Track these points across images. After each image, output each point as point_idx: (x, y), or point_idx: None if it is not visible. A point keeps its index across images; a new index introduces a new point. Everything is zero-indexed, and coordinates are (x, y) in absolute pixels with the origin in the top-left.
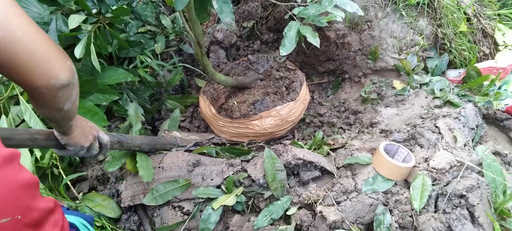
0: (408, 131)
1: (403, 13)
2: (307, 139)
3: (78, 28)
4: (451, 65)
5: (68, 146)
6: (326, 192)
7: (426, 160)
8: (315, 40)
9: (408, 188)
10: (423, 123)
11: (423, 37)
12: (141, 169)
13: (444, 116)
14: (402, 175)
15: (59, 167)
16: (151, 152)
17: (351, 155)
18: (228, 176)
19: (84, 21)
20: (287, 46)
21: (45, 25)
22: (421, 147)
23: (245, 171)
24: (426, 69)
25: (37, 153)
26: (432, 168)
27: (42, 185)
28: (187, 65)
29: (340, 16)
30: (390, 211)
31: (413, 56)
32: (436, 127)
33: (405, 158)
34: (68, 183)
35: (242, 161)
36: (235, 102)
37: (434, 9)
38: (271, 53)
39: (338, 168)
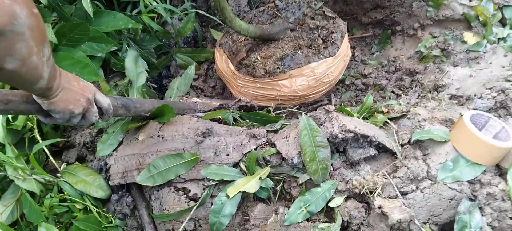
0: (494, 97)
1: None
2: (346, 105)
3: None
4: None
5: (52, 112)
6: (387, 178)
7: None
8: None
9: (504, 177)
10: None
11: None
12: None
13: None
14: (496, 158)
15: (35, 131)
16: None
17: (419, 126)
18: (249, 151)
19: None
20: None
21: None
22: None
23: (273, 145)
24: (502, 21)
25: None
26: None
27: (16, 152)
28: (201, 12)
29: None
30: (480, 208)
31: (488, 2)
32: None
33: (498, 133)
34: (46, 150)
35: (268, 131)
36: (258, 57)
37: None
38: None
39: (402, 145)
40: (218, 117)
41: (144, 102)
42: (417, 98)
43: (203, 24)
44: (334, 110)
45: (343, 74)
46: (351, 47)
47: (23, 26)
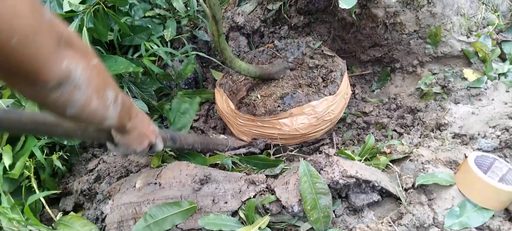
0: (498, 136)
1: None
2: (348, 144)
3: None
4: None
5: (120, 145)
6: (391, 226)
7: None
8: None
9: None
10: None
11: (498, 15)
12: None
13: None
14: (504, 202)
15: (32, 179)
16: (203, 152)
17: (423, 169)
18: (248, 198)
19: (82, 2)
20: None
21: None
22: None
23: (272, 192)
24: (502, 56)
25: (6, 161)
26: None
27: (12, 201)
28: (201, 54)
29: None
30: None
31: (487, 38)
32: None
33: (504, 176)
34: (42, 200)
35: (267, 176)
36: (258, 95)
37: None
38: (302, 38)
39: (405, 190)
40: (217, 161)
41: (187, 137)
42: (420, 137)
43: (204, 65)
44: (334, 154)
45: (344, 113)
46: (351, 85)
47: (79, 80)
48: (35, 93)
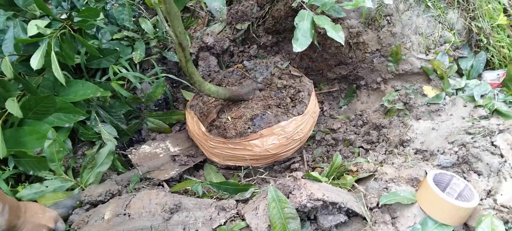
0: (456, 151)
1: (429, 4)
2: (318, 161)
3: (40, 36)
4: (487, 65)
5: None
6: None
7: (489, 194)
8: (338, 35)
9: None
10: (474, 141)
11: (454, 33)
12: None
13: (501, 131)
14: (462, 218)
15: None
16: None
17: (386, 188)
18: (219, 226)
19: (48, 26)
20: (301, 41)
21: (0, 33)
22: (479, 175)
23: (243, 218)
24: (459, 72)
25: None
26: (501, 205)
27: None
28: (171, 76)
29: (369, 1)
30: None
31: (444, 56)
32: (494, 145)
33: (462, 192)
34: None
35: (237, 201)
36: (229, 117)
37: None
38: (270, 58)
39: (371, 209)
40: (187, 187)
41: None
42: (385, 154)
43: (174, 85)
44: (302, 177)
45: (313, 130)
46: (319, 101)
47: None
48: None
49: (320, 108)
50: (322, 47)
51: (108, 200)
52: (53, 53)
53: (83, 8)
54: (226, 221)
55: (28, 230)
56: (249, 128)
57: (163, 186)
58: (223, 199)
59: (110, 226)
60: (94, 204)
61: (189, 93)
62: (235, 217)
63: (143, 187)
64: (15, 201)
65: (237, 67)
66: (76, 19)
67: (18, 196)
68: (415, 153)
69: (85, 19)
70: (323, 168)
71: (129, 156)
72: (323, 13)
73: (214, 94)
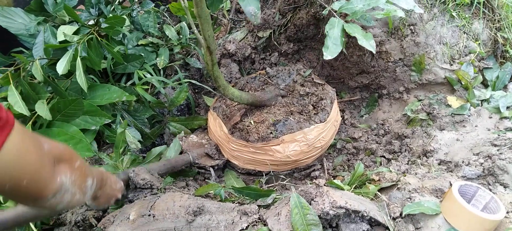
0: (482, 163)
1: (454, 14)
2: (339, 170)
3: (68, 42)
4: None
5: (90, 206)
6: None
7: None
8: (369, 44)
9: None
10: (500, 152)
11: (479, 43)
12: None
13: None
14: (488, 230)
15: None
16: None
17: (410, 198)
18: (241, 230)
19: (76, 33)
20: (332, 48)
21: (31, 37)
22: (505, 187)
23: (265, 223)
24: (484, 83)
25: None
26: None
27: None
28: (194, 81)
29: (400, 10)
30: None
31: (469, 66)
32: None
33: (487, 204)
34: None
35: (259, 206)
36: (252, 121)
37: (491, 9)
38: (293, 66)
39: (394, 219)
40: (210, 191)
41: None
42: (407, 164)
43: (196, 91)
44: (324, 184)
45: (334, 139)
46: (340, 110)
47: (67, 185)
48: (35, 204)
49: (341, 116)
50: (344, 56)
51: (149, 188)
52: (78, 59)
53: (110, 15)
54: (248, 225)
55: (103, 198)
56: (271, 133)
57: (210, 171)
58: (244, 204)
59: (135, 226)
60: (139, 187)
61: (211, 99)
62: (257, 222)
63: (172, 188)
64: (99, 172)
65: (260, 73)
66: (103, 26)
67: None
68: (439, 164)
69: (112, 25)
70: (343, 176)
71: (179, 142)
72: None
73: (237, 98)
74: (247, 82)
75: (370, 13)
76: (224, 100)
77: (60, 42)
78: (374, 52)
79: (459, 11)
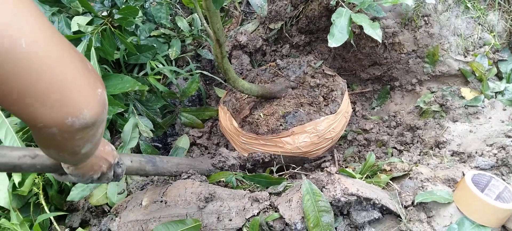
0: (495, 154)
1: (469, 5)
2: (349, 161)
3: (82, 32)
4: None
5: (72, 175)
6: None
7: None
8: (375, 33)
9: None
10: None
11: (494, 35)
12: None
13: None
14: (501, 219)
15: (40, 196)
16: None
17: (422, 187)
18: (252, 216)
19: (89, 23)
20: (337, 37)
21: None
22: None
23: (276, 209)
24: (499, 75)
25: (16, 178)
26: None
27: (21, 217)
28: (205, 72)
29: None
30: None
31: (483, 58)
32: None
33: (501, 193)
34: (51, 218)
35: (271, 194)
36: (261, 114)
37: (507, 0)
38: (303, 57)
39: (405, 207)
40: (221, 179)
41: (170, 158)
42: (419, 155)
43: (207, 82)
44: (336, 172)
45: (345, 130)
46: (351, 102)
47: (106, 113)
48: (59, 132)
49: (352, 108)
50: (356, 47)
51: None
52: (92, 49)
53: (123, 6)
54: (259, 211)
55: (87, 165)
56: (281, 125)
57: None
58: (255, 191)
59: (148, 212)
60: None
61: (222, 91)
62: (268, 208)
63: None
64: None
65: (270, 65)
66: (116, 17)
67: None
68: (452, 155)
69: (125, 16)
70: (354, 167)
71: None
72: (360, 11)
73: (247, 91)
74: (257, 75)
75: (378, 1)
76: (234, 94)
77: (74, 33)
78: (380, 41)
79: (474, 2)
